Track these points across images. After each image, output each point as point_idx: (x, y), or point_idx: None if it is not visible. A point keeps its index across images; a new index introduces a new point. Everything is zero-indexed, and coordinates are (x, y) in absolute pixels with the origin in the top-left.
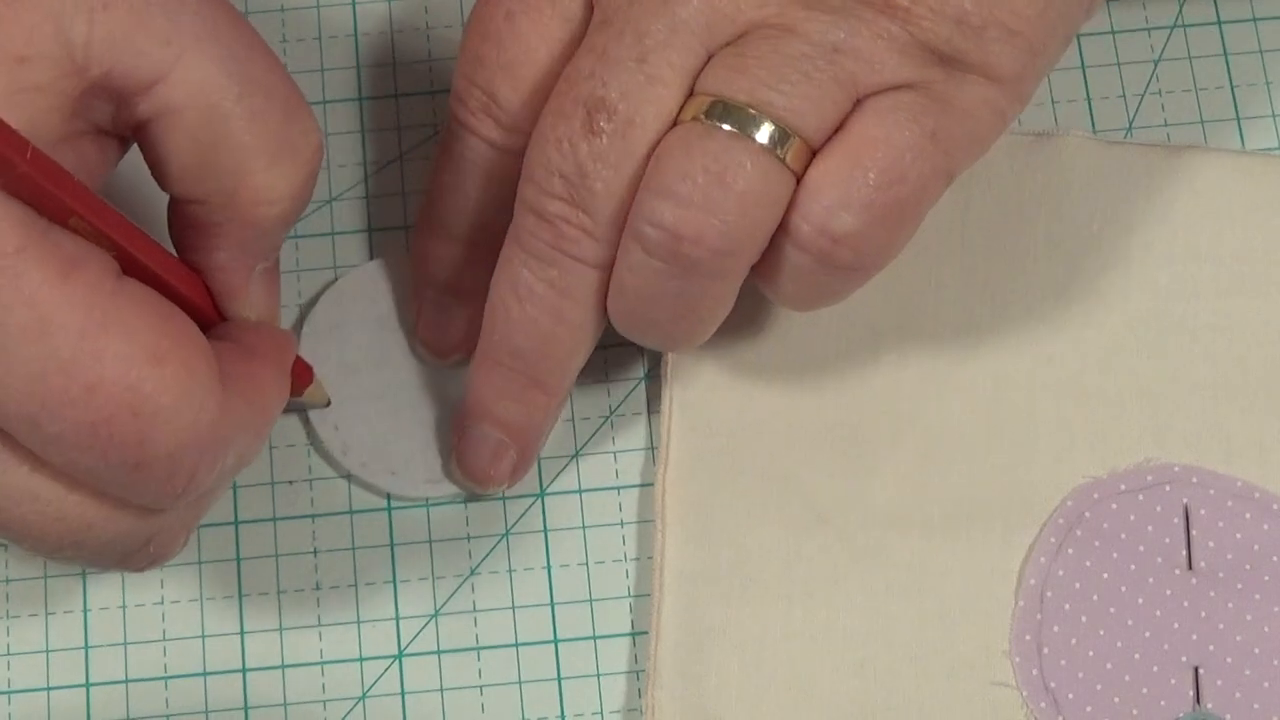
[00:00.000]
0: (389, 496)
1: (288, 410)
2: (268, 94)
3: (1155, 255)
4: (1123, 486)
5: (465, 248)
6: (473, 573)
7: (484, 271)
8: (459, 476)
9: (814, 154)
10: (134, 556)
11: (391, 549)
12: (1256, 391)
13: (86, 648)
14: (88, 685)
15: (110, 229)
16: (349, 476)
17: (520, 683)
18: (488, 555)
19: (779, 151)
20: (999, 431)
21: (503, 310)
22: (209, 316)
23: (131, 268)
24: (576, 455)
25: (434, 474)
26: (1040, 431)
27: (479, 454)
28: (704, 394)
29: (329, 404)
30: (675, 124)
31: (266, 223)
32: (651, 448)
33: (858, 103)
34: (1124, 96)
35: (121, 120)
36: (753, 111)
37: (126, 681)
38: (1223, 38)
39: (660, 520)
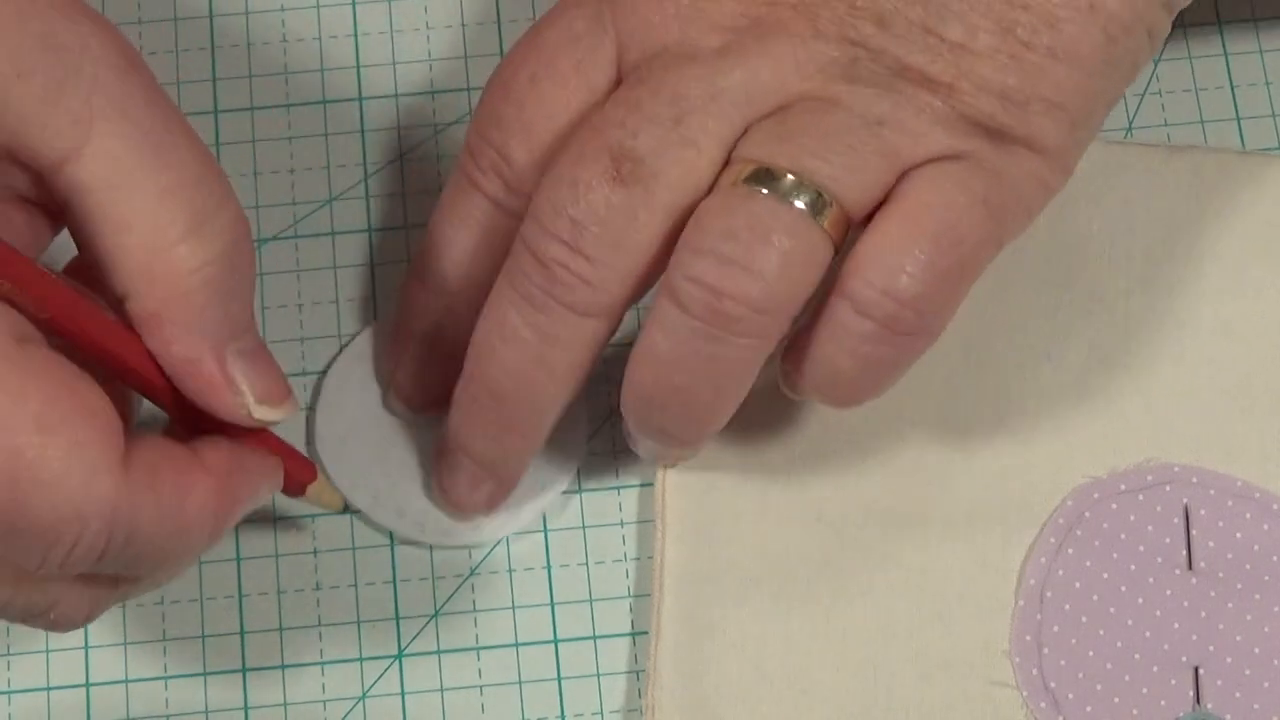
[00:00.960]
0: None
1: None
2: (179, 168)
3: (1155, 255)
4: (1123, 486)
5: (456, 305)
6: (473, 573)
7: (468, 333)
8: (438, 500)
9: (850, 223)
10: (33, 620)
11: (391, 549)
12: (1256, 391)
13: (86, 648)
14: (88, 685)
15: (28, 284)
16: (357, 513)
17: (520, 683)
18: (487, 555)
19: (818, 218)
20: (999, 431)
21: (487, 350)
22: (157, 388)
23: (64, 334)
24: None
25: (445, 522)
26: (1040, 431)
27: (456, 481)
28: None
29: (344, 509)
30: (713, 188)
31: (201, 296)
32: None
33: (903, 174)
34: (1124, 96)
35: (43, 195)
36: (794, 178)
37: (126, 681)
38: (1223, 38)
39: (660, 520)
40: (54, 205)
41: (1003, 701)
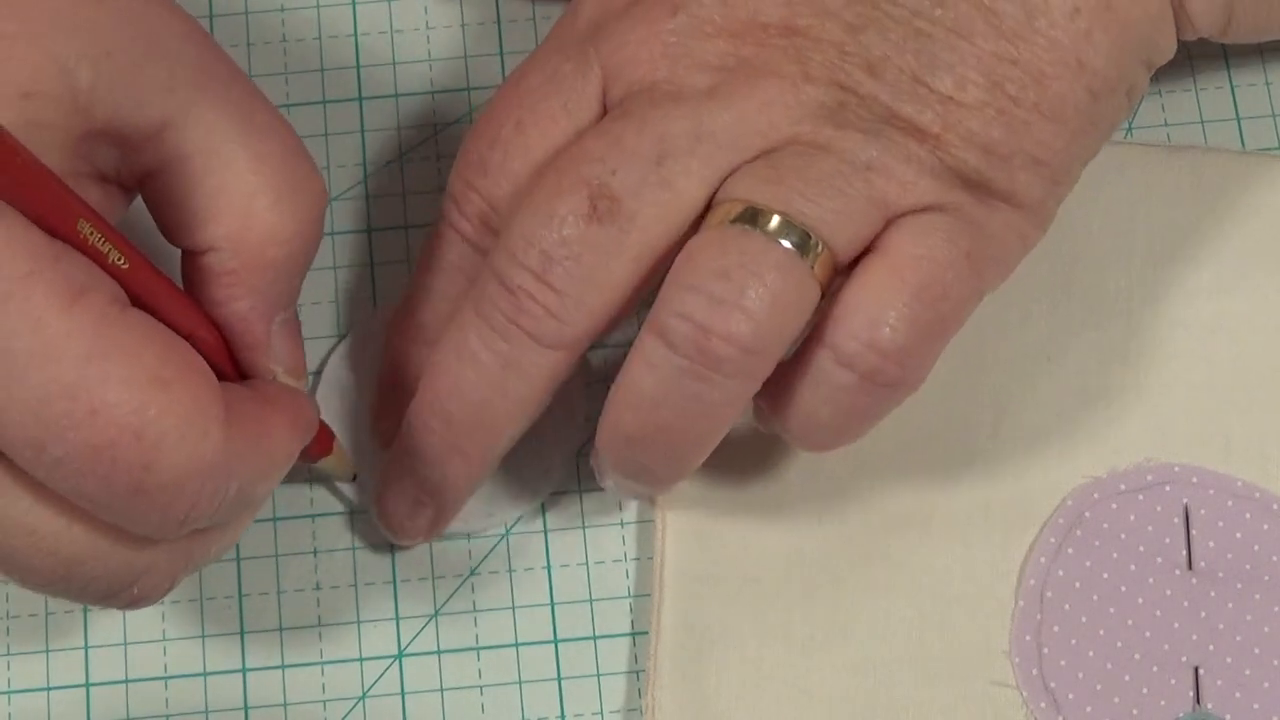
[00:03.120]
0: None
1: (314, 480)
2: (270, 136)
3: (1155, 255)
4: (1123, 486)
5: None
6: (473, 573)
7: None
8: (377, 523)
9: (837, 268)
10: (117, 596)
11: (391, 549)
12: (1256, 391)
13: (86, 648)
14: (88, 685)
15: (116, 241)
16: (355, 510)
17: (520, 683)
18: (488, 555)
19: (807, 260)
20: (999, 432)
21: (443, 372)
22: (216, 352)
23: (138, 299)
24: (577, 455)
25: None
26: (1040, 431)
27: (397, 507)
28: None
29: (355, 478)
30: (695, 228)
31: (279, 264)
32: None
33: (888, 222)
34: None
35: (128, 169)
36: (783, 219)
37: (126, 681)
38: None
39: (660, 520)
40: (131, 180)
41: (1003, 701)
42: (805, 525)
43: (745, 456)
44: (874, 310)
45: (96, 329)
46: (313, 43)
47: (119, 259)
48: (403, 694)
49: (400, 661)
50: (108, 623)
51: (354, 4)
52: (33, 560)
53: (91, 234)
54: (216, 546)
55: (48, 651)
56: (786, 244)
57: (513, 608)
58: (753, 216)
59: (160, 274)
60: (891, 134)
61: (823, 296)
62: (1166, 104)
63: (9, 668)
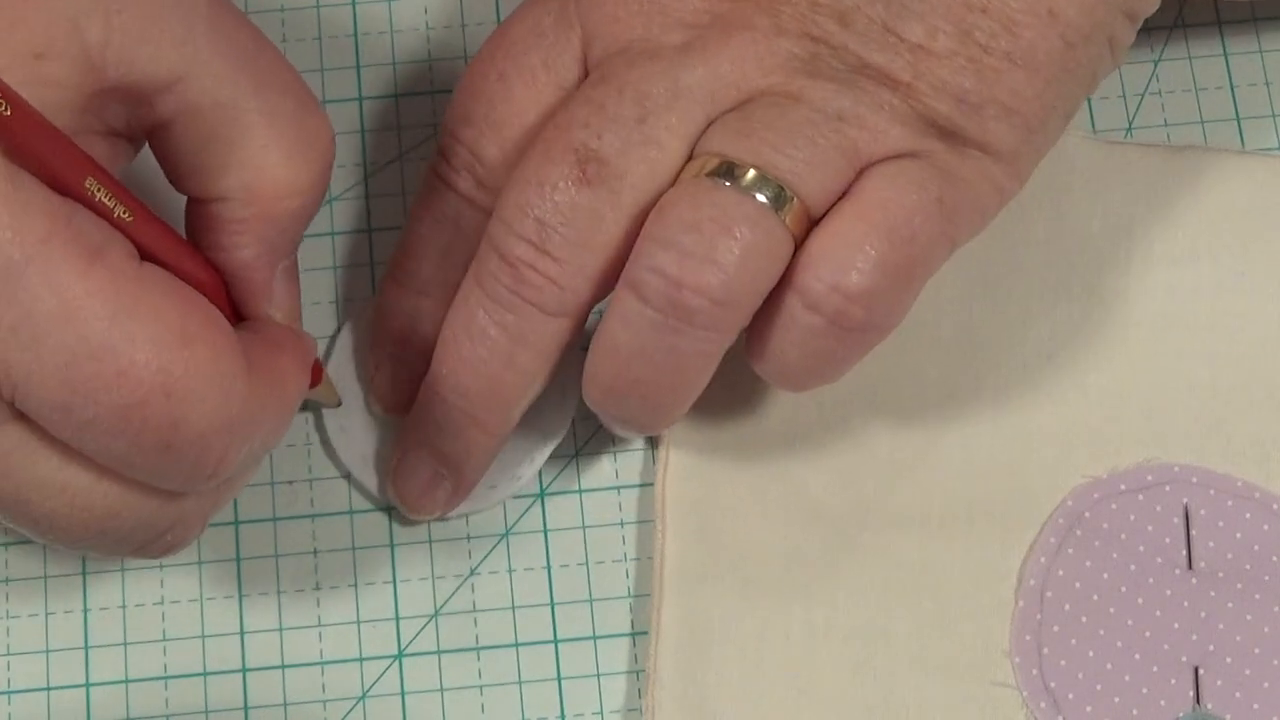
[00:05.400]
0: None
1: (301, 408)
2: (282, 90)
3: (1155, 255)
4: (1123, 486)
5: (434, 305)
6: (473, 573)
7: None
8: (393, 498)
9: (811, 218)
10: (152, 544)
11: (391, 549)
12: (1256, 391)
13: (86, 648)
14: (88, 685)
15: (121, 195)
16: (348, 476)
17: (520, 683)
18: (488, 555)
19: (779, 212)
20: (999, 431)
21: (453, 347)
22: (218, 297)
23: (145, 251)
24: (576, 455)
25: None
26: (1040, 431)
27: (415, 480)
28: (704, 396)
29: (339, 404)
30: (676, 182)
31: (288, 216)
32: (651, 448)
33: (861, 171)
34: (1124, 96)
35: (137, 122)
36: (756, 173)
37: (126, 681)
38: (1223, 38)
39: (660, 520)
40: (139, 132)
41: (1003, 702)
42: (805, 525)
43: (747, 457)
44: (841, 254)
45: (117, 288)
46: (313, 43)
47: (124, 213)
48: (403, 694)
49: (400, 661)
50: (108, 623)
51: (354, 4)
52: (66, 518)
53: (98, 190)
54: (239, 485)
55: (48, 651)
56: (759, 197)
57: (513, 608)
58: (726, 170)
59: (163, 223)
60: (863, 83)
61: (797, 247)
62: (1166, 104)
63: (9, 668)
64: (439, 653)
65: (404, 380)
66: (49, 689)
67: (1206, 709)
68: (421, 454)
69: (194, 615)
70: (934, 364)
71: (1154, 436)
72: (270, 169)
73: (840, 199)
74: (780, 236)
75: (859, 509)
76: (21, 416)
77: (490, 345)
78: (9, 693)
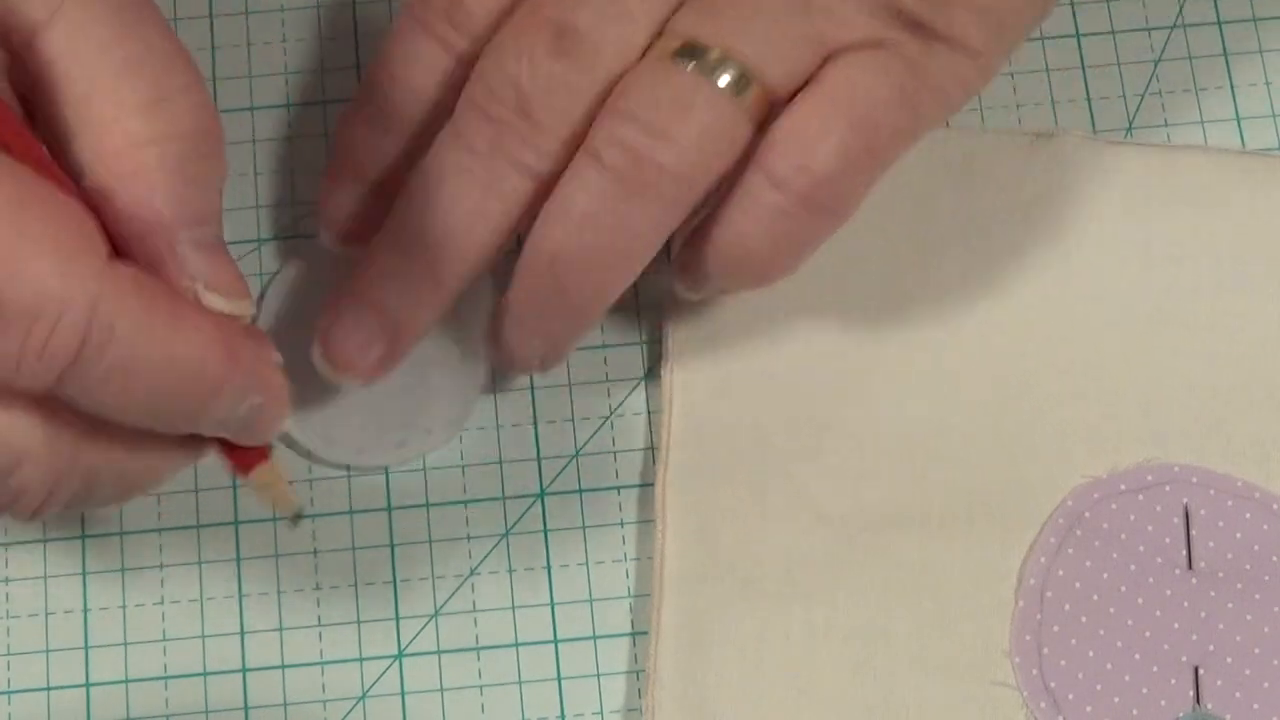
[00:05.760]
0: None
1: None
2: (145, 44)
3: (1155, 255)
4: (1123, 486)
5: (397, 143)
6: (473, 573)
7: (409, 170)
8: (319, 358)
9: (773, 103)
10: (97, 493)
11: (391, 549)
12: (1256, 391)
13: (86, 648)
14: (88, 685)
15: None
16: (286, 438)
17: (520, 683)
18: (488, 555)
19: (740, 96)
20: (999, 432)
21: (422, 193)
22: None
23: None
24: (576, 455)
25: (367, 444)
26: (1040, 431)
27: (351, 338)
28: (705, 396)
29: (298, 517)
30: (643, 58)
31: (147, 171)
32: (651, 448)
33: (826, 59)
34: (1124, 96)
35: (17, 77)
36: (719, 54)
37: (126, 681)
38: (1223, 38)
39: (660, 520)
40: (27, 89)
41: (1003, 702)
42: (805, 525)
43: (747, 458)
44: (808, 136)
45: None
46: (313, 43)
47: None
48: (403, 694)
49: (400, 661)
50: (108, 623)
51: (354, 4)
52: None
53: None
54: (113, 470)
55: (48, 651)
56: (721, 80)
57: (513, 608)
58: (690, 51)
59: (36, 146)
60: None
61: (758, 130)
62: (1166, 104)
63: (9, 668)
64: (439, 653)
65: (354, 211)
66: (49, 689)
67: (1206, 709)
68: (362, 309)
69: (194, 615)
70: (935, 365)
71: (1153, 436)
72: (123, 120)
73: (805, 85)
74: (739, 120)
75: (859, 510)
76: None
77: (462, 194)
78: (9, 693)
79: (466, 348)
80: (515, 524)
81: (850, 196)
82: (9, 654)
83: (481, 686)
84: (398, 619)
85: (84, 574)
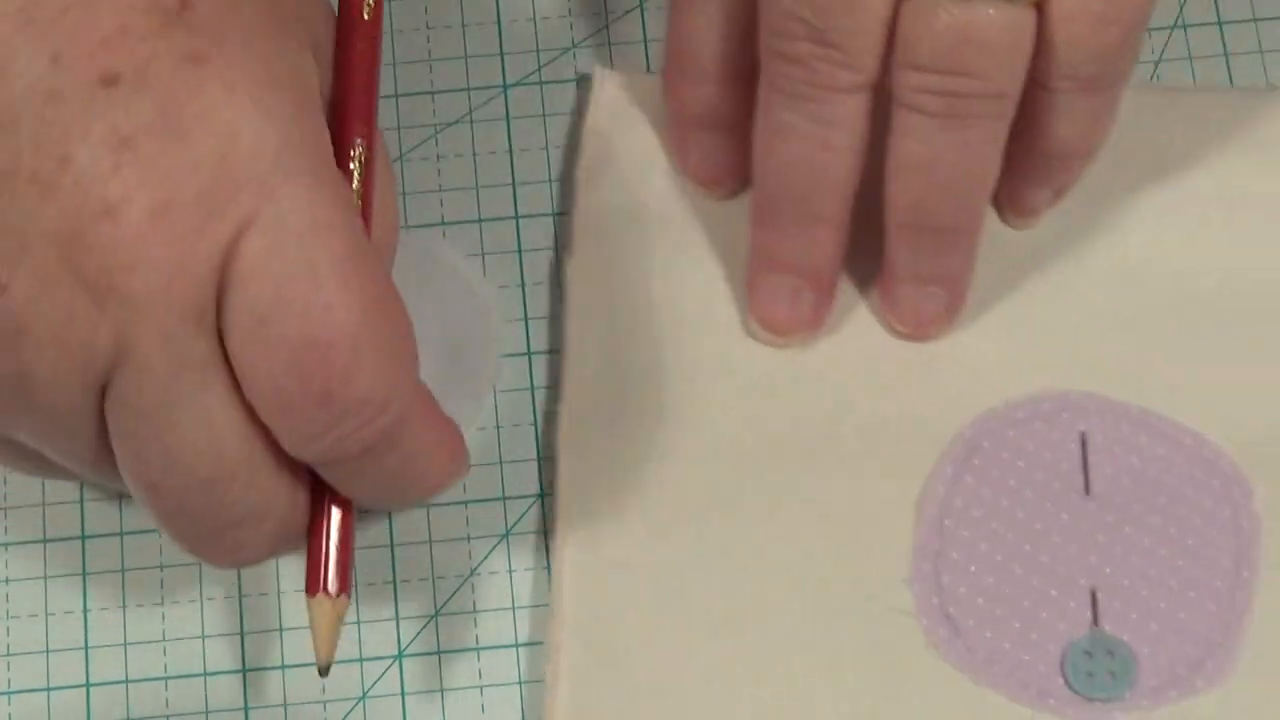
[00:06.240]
0: None
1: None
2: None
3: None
4: (1020, 414)
5: (720, 85)
6: (473, 573)
7: (741, 102)
8: (756, 329)
9: None
10: (223, 535)
11: (391, 549)
12: (1155, 319)
13: (86, 648)
14: (88, 685)
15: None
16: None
17: (520, 683)
18: (488, 555)
19: (1014, 3)
20: (896, 365)
21: (769, 154)
22: None
23: None
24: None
25: None
26: (937, 363)
27: (776, 301)
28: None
29: (322, 671)
30: None
31: None
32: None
33: None
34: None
35: None
36: None
37: (126, 682)
38: (1223, 38)
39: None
40: None
41: (903, 629)
42: (704, 458)
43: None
44: (1091, 18)
45: (349, 222)
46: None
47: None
48: (403, 694)
49: (400, 661)
50: (108, 622)
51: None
52: (189, 455)
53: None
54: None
55: (48, 651)
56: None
57: (513, 608)
58: None
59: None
60: None
61: (1039, 9)
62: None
63: (9, 668)
64: (439, 653)
65: (714, 155)
66: (49, 689)
67: (1104, 630)
68: (775, 274)
69: (194, 615)
70: (839, 300)
71: (1050, 366)
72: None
73: None
74: (1022, 22)
75: (761, 441)
76: (218, 336)
77: (804, 137)
78: (9, 693)
79: (469, 365)
80: (515, 524)
81: (1130, 63)
82: (9, 654)
83: (481, 687)
84: (398, 619)
85: (84, 574)
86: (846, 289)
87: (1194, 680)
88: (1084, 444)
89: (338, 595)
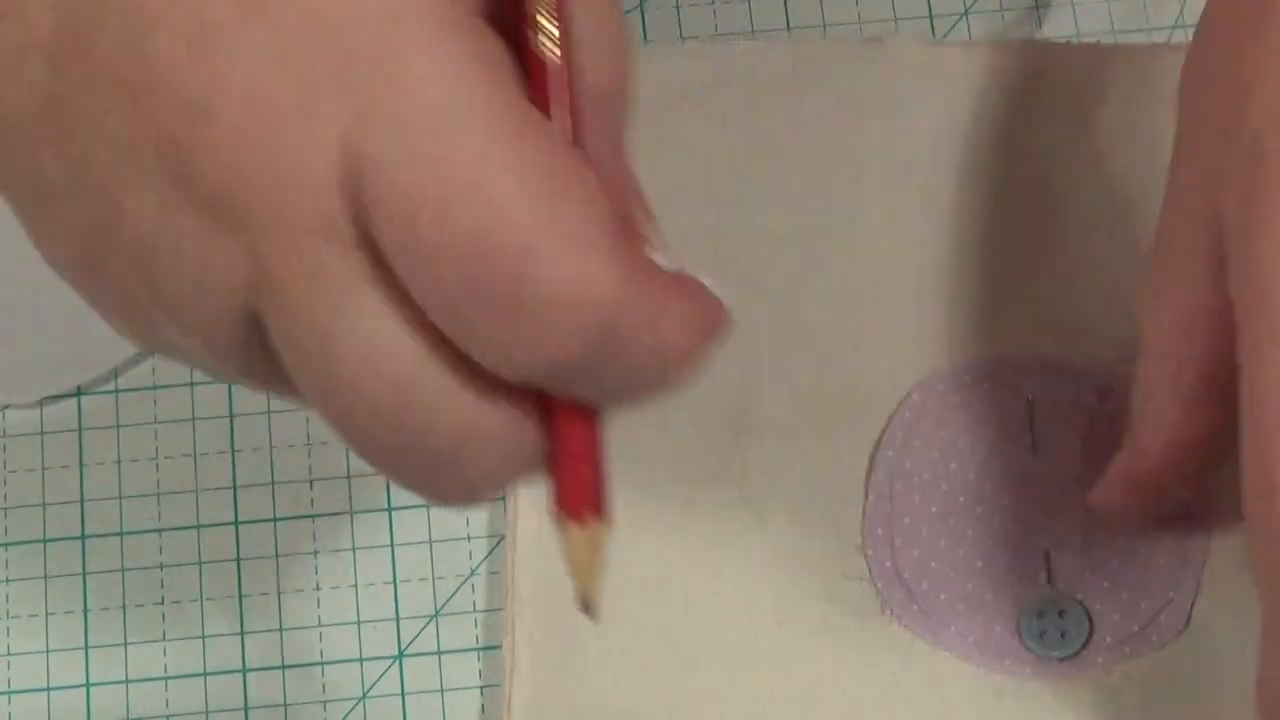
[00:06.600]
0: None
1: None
2: None
3: (987, 151)
4: (967, 377)
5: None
6: (473, 573)
7: None
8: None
9: None
10: (446, 463)
11: (391, 549)
12: (1097, 278)
13: (87, 648)
14: (88, 685)
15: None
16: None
17: None
18: (488, 555)
19: None
20: (841, 329)
21: None
22: None
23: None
24: None
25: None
26: (882, 328)
27: None
28: None
29: (587, 608)
30: None
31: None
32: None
33: None
34: None
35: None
36: None
37: (126, 682)
38: None
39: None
40: None
41: (858, 595)
42: (652, 431)
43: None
44: None
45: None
46: None
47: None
48: (403, 694)
49: (400, 661)
50: (108, 623)
51: None
52: (351, 377)
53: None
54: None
55: (48, 652)
56: None
57: None
58: None
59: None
60: None
61: None
62: None
63: (9, 668)
64: (439, 653)
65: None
66: (49, 689)
67: (1058, 589)
68: None
69: (194, 615)
70: (779, 267)
71: (994, 327)
72: None
73: None
74: None
75: (707, 413)
76: (364, 245)
77: None
78: (9, 693)
79: None
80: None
81: None
82: (9, 654)
83: (481, 687)
84: (398, 619)
85: (84, 575)
86: (790, 255)
87: (1149, 635)
88: (1031, 404)
89: (590, 520)
